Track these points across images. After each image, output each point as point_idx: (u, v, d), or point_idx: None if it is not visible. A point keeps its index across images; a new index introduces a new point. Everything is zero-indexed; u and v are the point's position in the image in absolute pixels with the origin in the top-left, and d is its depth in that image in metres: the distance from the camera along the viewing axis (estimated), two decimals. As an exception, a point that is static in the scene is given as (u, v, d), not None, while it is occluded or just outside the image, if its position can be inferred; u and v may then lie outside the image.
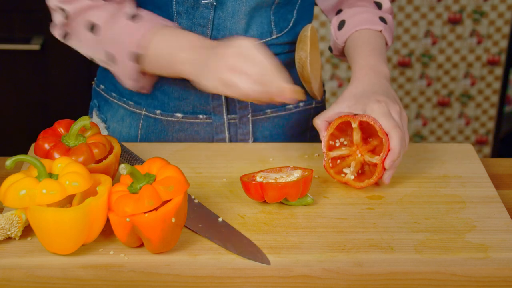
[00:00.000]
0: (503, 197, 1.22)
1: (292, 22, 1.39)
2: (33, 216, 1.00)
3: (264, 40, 1.37)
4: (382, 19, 1.38)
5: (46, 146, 1.11)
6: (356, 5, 1.40)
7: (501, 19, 2.79)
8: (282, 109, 1.43)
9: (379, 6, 1.40)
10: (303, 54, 1.39)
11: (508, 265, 1.03)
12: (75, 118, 1.16)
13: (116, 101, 1.44)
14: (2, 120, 2.40)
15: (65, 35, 1.33)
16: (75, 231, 1.00)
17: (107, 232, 1.08)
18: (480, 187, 1.22)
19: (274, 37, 1.37)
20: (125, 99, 1.43)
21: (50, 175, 1.02)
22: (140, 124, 1.42)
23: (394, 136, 1.16)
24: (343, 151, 1.21)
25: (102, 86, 1.47)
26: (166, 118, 1.40)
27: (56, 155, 1.09)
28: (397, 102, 1.22)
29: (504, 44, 2.83)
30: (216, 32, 1.34)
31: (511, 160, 1.34)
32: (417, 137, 2.97)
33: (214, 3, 1.30)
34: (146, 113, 1.41)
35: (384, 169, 1.18)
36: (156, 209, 1.00)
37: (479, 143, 2.99)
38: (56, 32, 1.34)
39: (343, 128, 1.22)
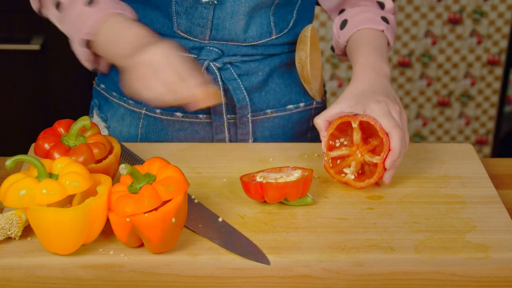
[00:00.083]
0: (503, 197, 1.22)
1: (292, 22, 1.39)
2: (33, 216, 1.00)
3: (264, 41, 1.37)
4: (384, 19, 1.38)
5: (46, 146, 1.11)
6: (359, 4, 1.40)
7: (501, 19, 2.79)
8: (282, 110, 1.43)
9: (381, 6, 1.40)
10: (303, 54, 1.39)
11: (508, 265, 1.03)
12: (75, 118, 1.16)
13: (116, 101, 1.44)
14: (2, 120, 2.40)
15: (40, 8, 1.36)
16: (75, 231, 1.00)
17: (107, 232, 1.08)
18: (480, 187, 1.22)
19: (273, 37, 1.38)
20: (125, 98, 1.43)
21: (50, 175, 1.02)
22: (140, 123, 1.42)
23: (395, 136, 1.16)
24: (343, 151, 1.21)
25: (102, 86, 1.47)
26: (166, 117, 1.40)
27: (56, 155, 1.09)
28: (397, 102, 1.23)
29: (504, 44, 2.83)
30: (215, 32, 1.34)
31: (511, 160, 1.34)
32: (417, 137, 2.97)
33: (215, 2, 1.30)
34: (146, 112, 1.41)
35: (385, 169, 1.18)
36: (156, 209, 1.00)
37: (479, 143, 2.99)
38: (33, 4, 1.37)
39: (343, 128, 1.22)
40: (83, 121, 1.11)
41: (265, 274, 1.02)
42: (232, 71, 1.38)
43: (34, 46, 2.25)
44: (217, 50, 1.36)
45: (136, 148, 1.33)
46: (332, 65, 2.82)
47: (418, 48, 2.81)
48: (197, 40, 1.35)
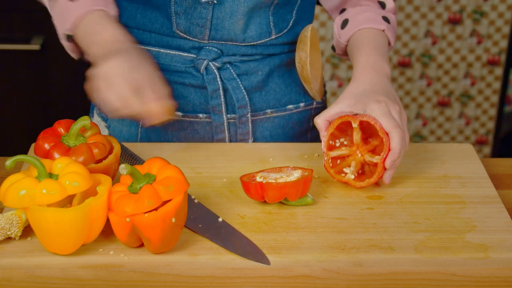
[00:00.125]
0: (503, 197, 1.22)
1: (291, 22, 1.39)
2: (33, 216, 1.00)
3: (263, 41, 1.37)
4: (385, 19, 1.38)
5: (46, 146, 1.11)
6: (360, 4, 1.40)
7: (501, 19, 2.79)
8: (282, 110, 1.43)
9: (382, 5, 1.40)
10: (303, 54, 1.39)
11: (508, 265, 1.03)
12: (75, 118, 1.16)
13: (116, 99, 1.44)
14: (2, 120, 2.40)
15: None
16: (75, 231, 1.00)
17: (107, 232, 1.08)
18: (480, 187, 1.22)
19: (273, 37, 1.38)
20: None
21: (50, 175, 1.02)
22: (140, 122, 1.42)
23: (395, 136, 1.16)
24: (343, 151, 1.21)
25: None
26: (166, 116, 1.40)
27: (56, 155, 1.09)
28: (397, 102, 1.23)
29: (504, 44, 2.83)
30: (215, 32, 1.34)
31: (511, 160, 1.34)
32: (417, 137, 2.97)
33: (214, 1, 1.30)
34: None
35: (385, 169, 1.18)
36: (156, 209, 1.00)
37: (479, 143, 2.99)
38: None
39: (343, 128, 1.22)
40: (83, 121, 1.11)
41: (265, 274, 1.02)
42: (232, 70, 1.38)
43: (34, 46, 2.25)
44: (216, 50, 1.36)
45: (136, 148, 1.33)
46: (332, 65, 2.82)
47: (418, 48, 2.81)
48: (196, 40, 1.35)
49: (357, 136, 1.20)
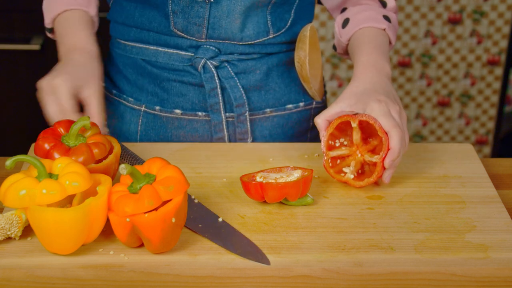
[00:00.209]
0: (503, 197, 1.22)
1: (290, 22, 1.39)
2: (33, 216, 1.00)
3: (261, 40, 1.37)
4: (386, 18, 1.38)
5: (46, 146, 1.11)
6: (361, 3, 1.40)
7: (501, 19, 2.79)
8: (282, 109, 1.43)
9: (383, 4, 1.40)
10: (302, 53, 1.39)
11: (508, 265, 1.03)
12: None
13: (116, 98, 1.45)
14: (2, 120, 2.40)
15: None
16: (75, 231, 1.00)
17: (107, 232, 1.08)
18: (480, 187, 1.22)
19: (271, 36, 1.38)
20: (125, 96, 1.44)
21: (50, 175, 1.02)
22: (140, 120, 1.43)
23: (394, 135, 1.16)
24: (343, 151, 1.21)
25: (102, 84, 1.47)
26: (165, 114, 1.41)
27: (56, 155, 1.09)
28: (397, 102, 1.23)
29: (504, 44, 2.83)
30: (212, 31, 1.34)
31: (511, 160, 1.34)
32: (417, 137, 2.97)
33: (211, 0, 1.30)
34: (146, 109, 1.42)
35: (384, 168, 1.18)
36: (156, 209, 1.00)
37: (479, 143, 2.99)
38: None
39: (343, 128, 1.22)
40: (83, 121, 1.11)
41: (265, 274, 1.02)
42: (229, 69, 1.38)
43: (34, 46, 2.25)
44: (214, 48, 1.36)
45: (136, 148, 1.33)
46: (332, 65, 2.82)
47: (418, 48, 2.81)
48: (194, 38, 1.36)
49: (356, 136, 1.20)
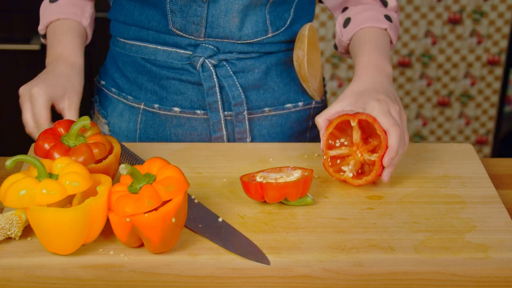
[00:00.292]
0: (503, 197, 1.22)
1: (289, 21, 1.39)
2: (33, 216, 1.00)
3: (260, 39, 1.37)
4: (387, 17, 1.38)
5: (46, 146, 1.11)
6: (362, 2, 1.40)
7: (501, 19, 2.79)
8: (281, 108, 1.43)
9: (384, 4, 1.40)
10: (301, 52, 1.39)
11: (508, 265, 1.03)
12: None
13: (115, 96, 1.45)
14: (2, 120, 2.40)
15: None
16: (75, 231, 1.00)
17: (107, 232, 1.08)
18: (480, 187, 1.22)
19: (270, 35, 1.38)
20: (124, 94, 1.44)
21: (50, 175, 1.02)
22: (139, 118, 1.43)
23: (393, 133, 1.16)
24: (342, 150, 1.21)
25: (102, 82, 1.49)
26: (164, 112, 1.41)
27: (56, 155, 1.09)
28: (397, 102, 1.23)
29: (504, 44, 2.83)
30: (210, 30, 1.35)
31: (511, 160, 1.34)
32: (417, 137, 2.97)
33: None
34: (145, 107, 1.42)
35: (383, 167, 1.18)
36: (156, 209, 1.00)
37: (479, 143, 2.99)
38: None
39: (343, 128, 1.22)
40: (83, 121, 1.11)
41: (265, 274, 1.02)
42: (228, 68, 1.38)
43: (34, 46, 2.25)
44: (212, 47, 1.36)
45: (136, 148, 1.33)
46: (332, 65, 2.82)
47: (418, 48, 2.81)
48: (192, 37, 1.36)
49: (356, 135, 1.20)
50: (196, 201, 1.16)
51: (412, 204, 1.17)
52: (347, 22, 1.40)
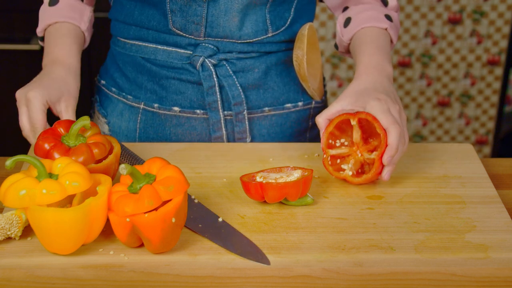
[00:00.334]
0: (503, 197, 1.22)
1: (289, 20, 1.39)
2: (33, 216, 1.00)
3: (260, 38, 1.37)
4: (388, 17, 1.38)
5: (46, 146, 1.11)
6: (363, 2, 1.41)
7: (501, 19, 2.79)
8: (280, 108, 1.43)
9: (385, 3, 1.41)
10: (300, 52, 1.39)
11: (508, 265, 1.03)
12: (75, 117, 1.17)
13: (115, 96, 1.45)
14: (2, 120, 2.40)
15: None
16: (75, 231, 1.00)
17: (107, 232, 1.08)
18: (480, 187, 1.22)
19: (270, 35, 1.38)
20: (124, 94, 1.44)
21: (50, 175, 1.02)
22: (139, 118, 1.43)
23: (392, 131, 1.16)
24: (342, 150, 1.21)
25: (103, 82, 1.49)
26: (164, 111, 1.41)
27: (56, 155, 1.09)
28: (397, 102, 1.23)
29: (504, 44, 2.83)
30: (210, 29, 1.35)
31: (511, 160, 1.34)
32: (417, 137, 2.97)
33: None
34: (145, 107, 1.42)
35: (383, 165, 1.18)
36: (156, 209, 1.00)
37: (479, 143, 2.99)
38: None
39: (343, 128, 1.22)
40: (83, 121, 1.11)
41: (265, 274, 1.02)
42: (228, 67, 1.38)
43: (34, 46, 2.25)
44: (212, 46, 1.36)
45: (136, 148, 1.33)
46: (332, 65, 2.82)
47: (418, 48, 2.81)
48: (192, 37, 1.36)
49: (356, 134, 1.20)
50: (196, 201, 1.16)
51: (412, 204, 1.17)
52: (347, 21, 1.40)
